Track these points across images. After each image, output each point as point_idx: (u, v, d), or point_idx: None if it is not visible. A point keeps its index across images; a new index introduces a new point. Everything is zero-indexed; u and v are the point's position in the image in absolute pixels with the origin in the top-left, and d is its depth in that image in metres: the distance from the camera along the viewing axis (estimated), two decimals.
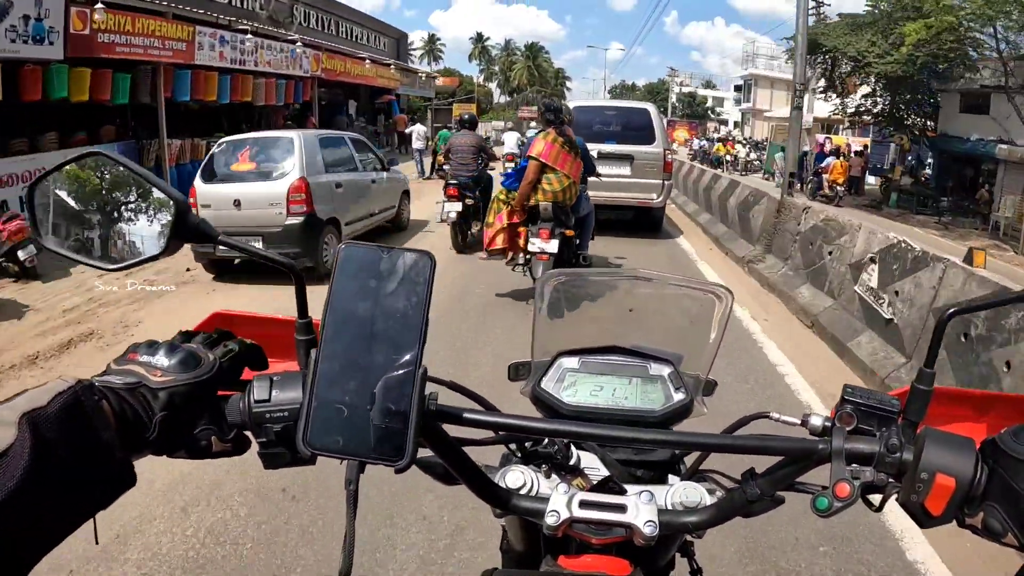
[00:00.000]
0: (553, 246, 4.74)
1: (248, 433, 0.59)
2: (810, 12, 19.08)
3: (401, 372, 0.48)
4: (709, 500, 0.68)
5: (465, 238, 7.37)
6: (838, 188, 18.59)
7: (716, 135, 40.08)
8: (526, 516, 0.66)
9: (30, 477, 0.42)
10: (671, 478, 0.75)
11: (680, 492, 0.69)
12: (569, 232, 4.93)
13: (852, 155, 20.43)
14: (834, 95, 19.38)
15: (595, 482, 0.70)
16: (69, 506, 0.46)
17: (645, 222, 8.54)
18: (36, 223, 0.61)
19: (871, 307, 4.21)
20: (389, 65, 21.08)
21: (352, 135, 7.58)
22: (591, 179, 5.33)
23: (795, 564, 2.27)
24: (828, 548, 2.35)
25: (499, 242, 5.05)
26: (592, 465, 0.72)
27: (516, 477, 0.68)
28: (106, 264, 0.61)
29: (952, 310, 0.58)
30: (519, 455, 0.73)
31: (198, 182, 6.00)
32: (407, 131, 17.23)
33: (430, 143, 17.80)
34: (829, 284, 4.95)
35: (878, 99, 18.68)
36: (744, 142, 30.06)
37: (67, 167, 0.60)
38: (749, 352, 4.26)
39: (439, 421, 0.56)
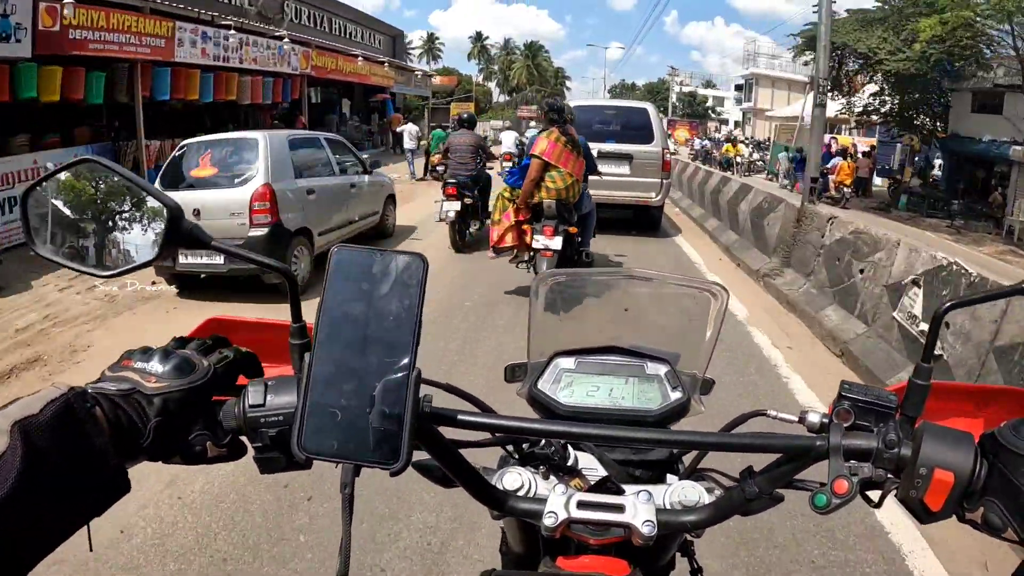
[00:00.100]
0: (557, 243, 4.81)
1: (244, 438, 0.59)
2: (815, 8, 18.81)
3: (395, 375, 0.48)
4: (707, 499, 0.67)
5: (464, 237, 7.30)
6: (845, 190, 18.09)
7: (718, 135, 39.74)
8: (524, 517, 0.65)
9: (22, 484, 0.42)
10: (669, 477, 0.74)
11: (678, 491, 0.68)
12: (572, 229, 5.01)
13: (860, 156, 19.86)
14: (840, 94, 18.79)
15: (593, 482, 0.70)
16: (62, 513, 0.46)
17: (644, 221, 8.58)
18: (29, 231, 0.60)
19: (914, 338, 3.63)
20: (383, 63, 20.47)
21: (329, 135, 6.96)
22: (591, 178, 5.34)
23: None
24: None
25: (509, 240, 5.08)
26: (590, 466, 0.72)
27: (513, 479, 0.67)
28: (100, 271, 0.60)
29: (949, 304, 0.58)
30: (516, 457, 0.73)
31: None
32: (399, 130, 16.63)
33: (423, 143, 17.21)
34: (861, 307, 4.37)
35: (886, 98, 18.13)
36: (746, 141, 29.52)
37: (60, 174, 0.60)
38: (775, 391, 3.68)
39: (434, 423, 0.56)
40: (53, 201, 0.60)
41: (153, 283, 6.02)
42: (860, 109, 18.99)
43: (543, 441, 0.69)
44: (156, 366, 0.56)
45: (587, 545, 0.65)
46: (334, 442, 0.48)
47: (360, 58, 18.15)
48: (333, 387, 0.48)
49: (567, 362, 0.80)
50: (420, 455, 0.56)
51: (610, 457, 0.74)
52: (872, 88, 18.66)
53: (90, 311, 5.38)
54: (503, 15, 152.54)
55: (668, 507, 0.67)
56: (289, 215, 5.23)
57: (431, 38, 65.99)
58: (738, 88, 50.05)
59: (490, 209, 7.80)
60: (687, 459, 0.79)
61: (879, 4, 15.59)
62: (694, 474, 0.76)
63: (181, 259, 5.25)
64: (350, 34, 21.40)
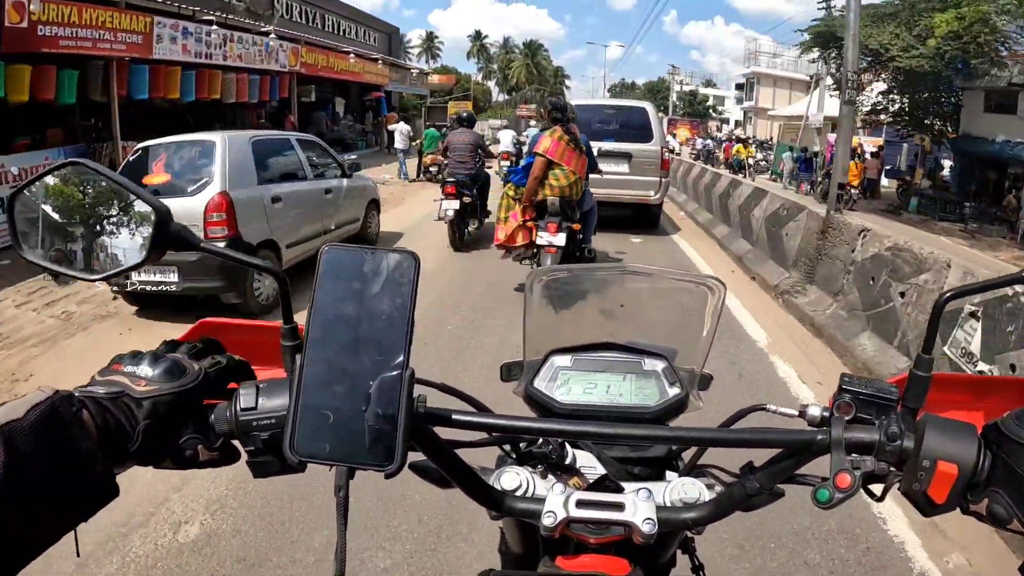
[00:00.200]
0: (560, 239, 4.88)
1: (236, 442, 0.58)
2: (820, 5, 18.27)
3: (388, 375, 0.48)
4: (708, 495, 0.66)
5: (463, 236, 7.26)
6: (852, 191, 17.51)
7: (719, 134, 39.22)
8: (522, 517, 0.65)
9: (5, 489, 0.42)
10: (669, 474, 0.74)
11: (678, 488, 0.67)
12: (576, 226, 5.06)
13: (868, 156, 19.30)
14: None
15: (592, 481, 0.69)
16: (48, 518, 0.46)
17: (643, 220, 8.65)
18: (17, 234, 0.60)
19: None
20: (377, 60, 19.86)
21: (301, 136, 6.32)
22: (591, 176, 5.40)
23: None
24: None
25: (520, 239, 5.16)
26: (588, 464, 0.71)
27: (511, 478, 0.67)
28: (88, 274, 0.60)
29: (948, 294, 0.58)
30: (513, 456, 0.73)
31: None
32: (390, 128, 16.04)
33: (415, 143, 16.62)
34: (901, 336, 3.79)
35: (895, 97, 17.55)
36: (749, 141, 28.96)
37: (47, 177, 0.60)
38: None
39: (429, 424, 0.56)
40: (42, 205, 0.60)
41: (115, 297, 5.54)
42: (868, 108, 18.39)
43: (540, 440, 0.69)
44: (146, 369, 0.55)
45: (587, 544, 0.64)
46: (327, 444, 0.47)
47: (352, 55, 17.54)
48: (325, 389, 0.48)
49: (563, 360, 0.78)
50: (415, 456, 0.55)
51: (608, 455, 0.72)
52: (879, 86, 18.11)
53: (43, 331, 4.97)
54: (503, 14, 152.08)
55: (668, 504, 0.66)
56: (250, 226, 4.64)
57: (430, 37, 65.78)
58: (738, 87, 49.74)
59: (490, 208, 7.83)
60: (686, 456, 0.77)
61: None
62: (694, 471, 0.74)
63: (133, 275, 4.73)
64: (344, 31, 20.82)
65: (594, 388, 0.77)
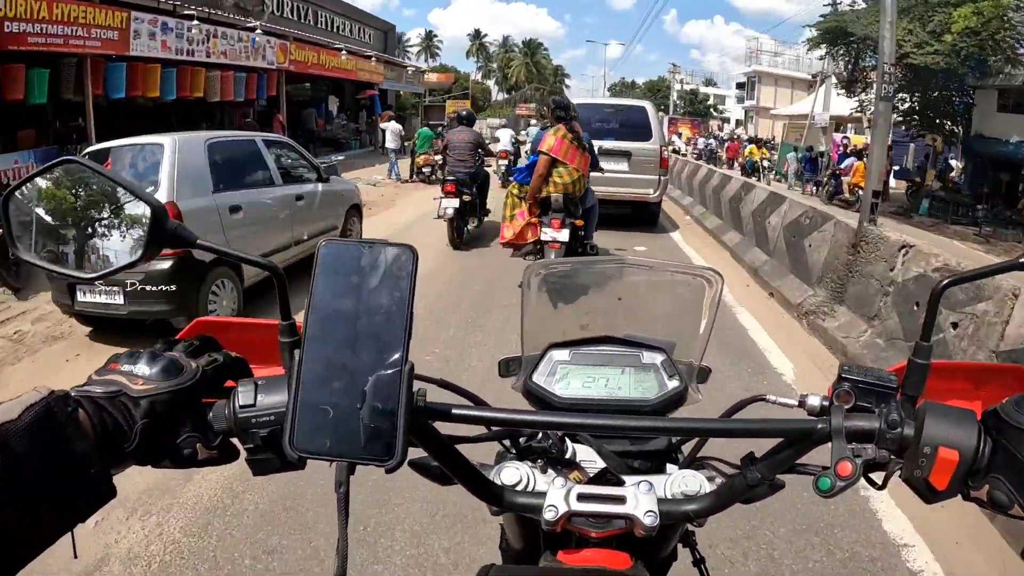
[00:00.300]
0: (564, 235, 5.00)
1: (235, 440, 0.58)
2: (826, 2, 17.72)
3: (387, 370, 0.47)
4: (709, 487, 0.66)
5: (462, 235, 7.23)
6: (860, 192, 16.99)
7: (721, 133, 38.70)
8: (523, 512, 0.65)
9: (1, 491, 0.42)
10: (669, 467, 0.74)
11: (679, 481, 0.67)
12: (579, 222, 5.16)
13: None
14: (858, 91, 17.65)
15: (592, 475, 0.69)
16: (45, 519, 0.46)
17: (642, 218, 8.73)
18: (11, 235, 0.59)
19: None
20: (370, 57, 19.27)
21: (269, 136, 5.71)
22: (592, 174, 5.45)
23: None
24: None
25: (529, 236, 5.25)
26: (588, 458, 0.71)
27: (511, 473, 0.66)
28: (84, 273, 0.60)
29: (946, 281, 0.58)
30: (513, 451, 0.72)
31: None
32: (382, 126, 15.46)
33: (407, 143, 16.05)
34: None
35: (905, 95, 16.99)
36: (751, 140, 28.38)
37: (40, 176, 0.59)
38: (855, 513, 2.53)
39: (428, 418, 0.56)
40: (35, 206, 0.59)
41: (69, 317, 4.99)
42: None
43: (540, 434, 0.69)
44: (143, 368, 0.55)
45: (588, 538, 0.64)
46: (327, 440, 0.47)
47: (344, 52, 16.95)
48: (324, 384, 0.47)
49: (562, 354, 0.78)
50: (416, 452, 0.54)
51: (608, 449, 0.72)
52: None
53: None
54: (502, 13, 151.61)
55: (669, 497, 0.66)
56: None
57: (429, 36, 65.47)
58: (739, 86, 49.41)
59: (489, 207, 8.00)
60: (686, 449, 0.78)
61: None
62: (694, 463, 0.74)
63: (79, 296, 4.22)
64: (337, 28, 20.25)
65: (593, 382, 0.77)
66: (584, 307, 0.89)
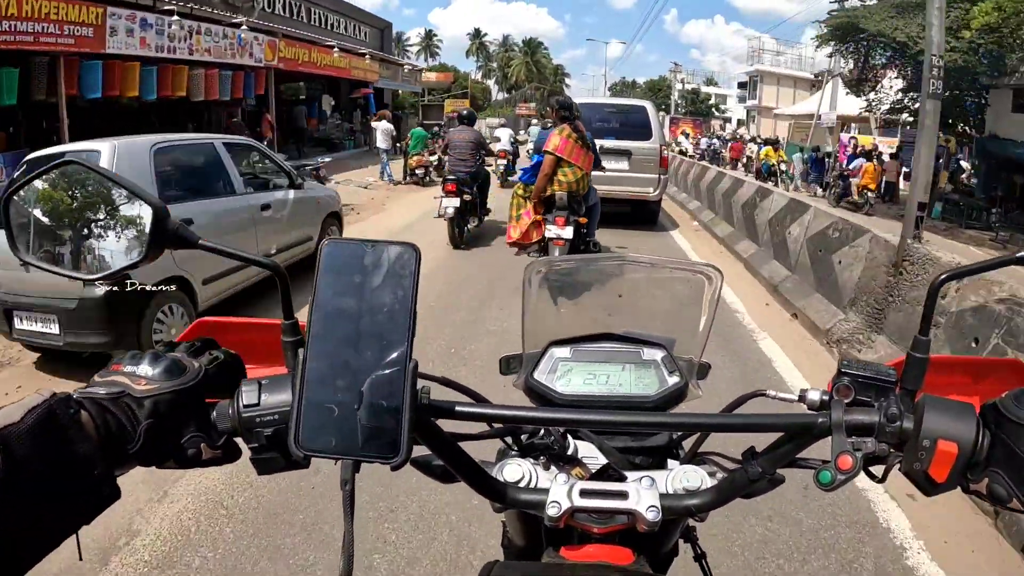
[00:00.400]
0: (568, 232, 5.08)
1: (238, 439, 0.58)
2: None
3: (391, 368, 0.47)
4: (710, 482, 0.67)
5: (462, 234, 7.23)
6: (869, 194, 16.46)
7: (723, 132, 38.12)
8: (526, 509, 0.65)
9: (4, 495, 0.42)
10: (670, 463, 0.74)
11: (680, 476, 0.68)
12: (582, 220, 5.28)
13: (888, 158, 18.19)
14: (868, 90, 17.09)
15: (594, 471, 0.69)
16: (49, 522, 0.46)
17: (641, 216, 8.84)
18: (12, 237, 0.59)
19: None
20: (364, 55, 18.69)
21: (232, 139, 5.12)
22: (593, 172, 5.50)
23: None
24: None
25: (535, 235, 5.39)
26: (590, 454, 0.72)
27: (514, 470, 0.67)
28: (86, 275, 0.60)
29: (944, 275, 0.58)
30: (515, 449, 0.72)
31: None
32: (373, 125, 14.89)
33: (399, 144, 15.48)
34: None
35: (916, 94, 16.42)
36: (755, 139, 27.76)
37: (40, 178, 0.59)
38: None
39: (432, 416, 0.56)
40: (35, 207, 0.59)
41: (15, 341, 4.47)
42: (887, 107, 17.26)
43: (542, 431, 0.70)
44: (146, 369, 0.55)
45: (590, 534, 0.64)
46: (332, 439, 0.47)
47: (336, 49, 16.38)
48: (329, 383, 0.47)
49: (562, 351, 0.79)
50: (418, 450, 0.54)
51: (610, 445, 0.73)
52: (893, 84, 16.99)
53: None
54: (502, 13, 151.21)
55: (671, 492, 0.66)
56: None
57: (429, 35, 65.10)
58: (741, 86, 49.04)
59: (490, 207, 8.06)
60: (687, 444, 0.78)
61: None
62: (695, 458, 0.75)
63: (17, 323, 3.72)
64: (331, 25, 19.66)
65: (594, 379, 0.77)
66: (585, 304, 0.89)
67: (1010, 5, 11.06)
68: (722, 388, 3.18)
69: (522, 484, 0.66)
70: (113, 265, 0.58)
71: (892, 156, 18.71)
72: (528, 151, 14.72)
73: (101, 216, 0.58)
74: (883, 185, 17.78)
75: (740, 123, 47.61)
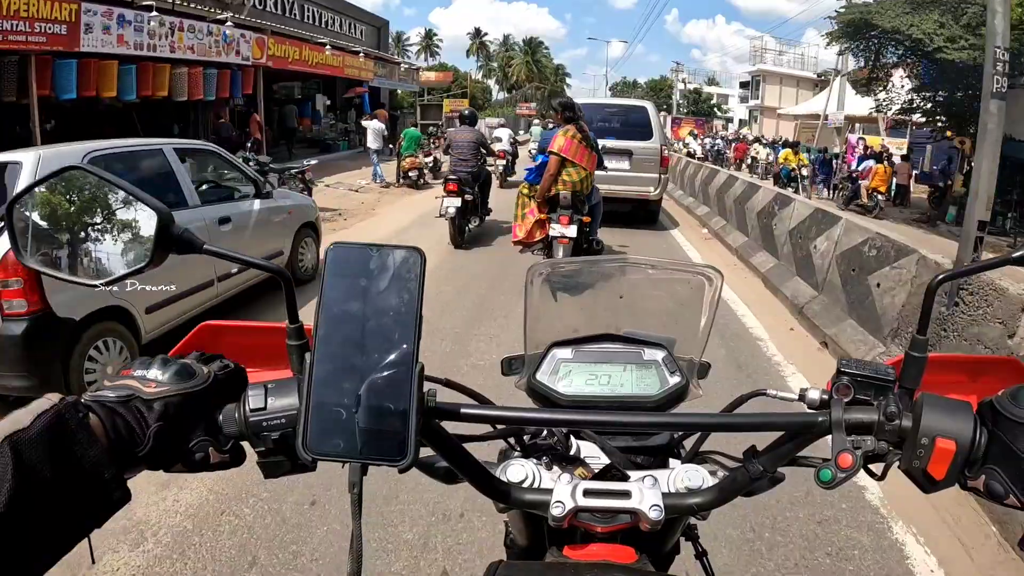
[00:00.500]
0: (572, 231, 5.20)
1: (245, 443, 0.58)
2: None
3: (398, 371, 0.48)
4: (711, 481, 0.67)
5: (463, 234, 7.24)
6: (878, 197, 15.92)
7: (725, 132, 37.60)
8: (531, 509, 0.65)
9: (15, 501, 0.42)
10: (672, 462, 0.74)
11: (682, 475, 0.68)
12: (586, 219, 5.39)
13: (899, 159, 17.64)
14: (879, 89, 16.50)
15: (596, 471, 0.70)
16: (60, 527, 0.46)
17: (641, 215, 8.98)
18: (17, 242, 0.59)
19: None
20: (358, 53, 18.12)
21: (186, 144, 4.50)
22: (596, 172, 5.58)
23: None
24: None
25: (539, 235, 5.48)
26: (592, 454, 0.72)
27: (517, 471, 0.67)
28: (91, 280, 0.60)
29: (941, 276, 0.59)
30: (518, 449, 0.74)
31: None
32: (364, 124, 14.34)
33: (391, 145, 14.92)
34: None
35: (927, 94, 15.84)
36: (760, 139, 27.16)
37: (45, 183, 0.59)
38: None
39: (437, 418, 0.56)
40: (40, 213, 0.59)
41: None
42: (898, 107, 16.67)
43: (545, 432, 0.72)
44: (156, 372, 0.55)
45: (593, 534, 0.65)
46: (340, 442, 0.47)
47: (328, 47, 15.80)
48: (336, 386, 0.48)
49: (564, 352, 0.79)
50: (421, 452, 0.54)
51: (612, 445, 0.73)
52: (904, 83, 16.41)
53: None
54: (503, 13, 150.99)
55: (673, 491, 0.67)
56: (73, 291, 2.97)
57: (429, 35, 64.74)
58: (743, 85, 48.73)
59: (491, 207, 8.16)
60: (688, 443, 0.78)
61: None
62: (696, 457, 0.75)
63: None
64: (326, 23, 19.12)
65: (595, 379, 0.77)
66: (586, 305, 0.89)
67: None
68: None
69: (526, 484, 0.66)
70: (118, 270, 0.59)
71: (903, 158, 18.15)
72: (531, 151, 14.38)
73: (105, 221, 0.58)
74: (893, 188, 17.27)
75: (742, 123, 47.28)
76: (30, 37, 8.64)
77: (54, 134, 10.65)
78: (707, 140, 29.50)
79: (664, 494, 0.62)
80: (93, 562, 0.53)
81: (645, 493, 0.61)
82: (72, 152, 3.37)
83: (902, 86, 16.79)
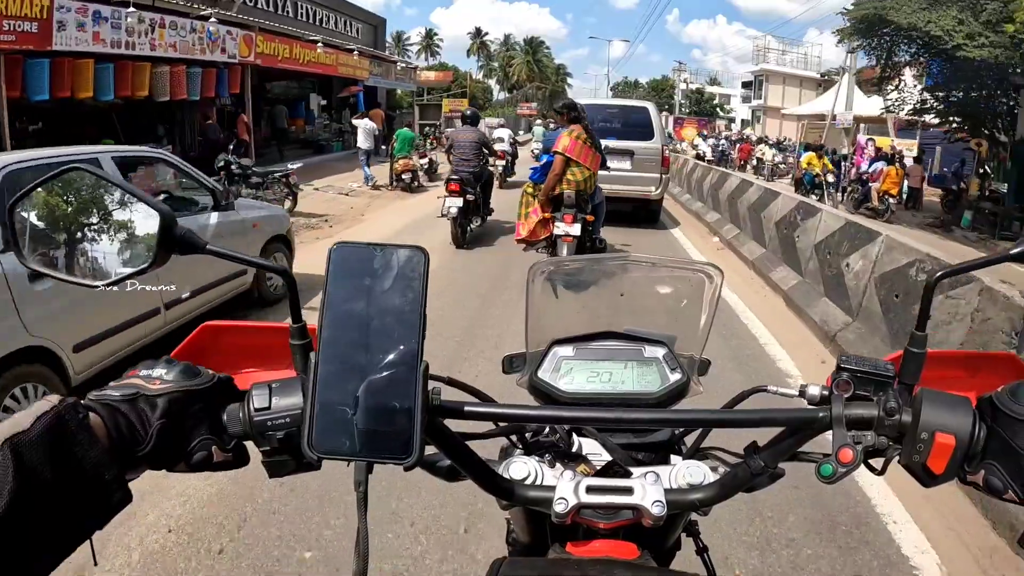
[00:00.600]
0: (576, 229, 5.35)
1: (248, 443, 0.59)
2: None
3: (402, 369, 0.48)
4: (712, 477, 0.67)
5: (465, 234, 7.22)
6: (890, 201, 15.36)
7: (728, 132, 37.08)
8: (534, 506, 0.65)
9: (16, 503, 0.42)
10: (673, 458, 0.74)
11: (684, 471, 0.68)
12: (589, 217, 5.55)
13: (911, 161, 17.09)
14: (890, 88, 15.95)
15: (598, 468, 0.69)
16: (62, 529, 0.46)
17: (643, 214, 9.03)
18: (17, 243, 0.59)
19: None
20: (352, 51, 17.56)
21: (130, 152, 3.91)
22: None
23: None
24: None
25: (541, 233, 5.61)
26: (594, 451, 0.72)
27: (519, 468, 0.67)
28: (92, 281, 0.59)
29: (940, 273, 0.59)
30: (520, 447, 0.74)
31: None
32: (354, 122, 13.80)
33: (385, 147, 14.37)
34: None
35: (940, 93, 15.28)
36: (765, 140, 26.58)
37: (46, 184, 0.59)
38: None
39: (442, 416, 0.56)
40: (41, 214, 0.59)
41: None
42: (911, 107, 16.11)
43: (547, 430, 0.72)
44: (160, 371, 0.55)
45: (595, 530, 0.65)
46: (345, 440, 0.47)
47: (320, 45, 15.24)
48: (340, 385, 0.48)
49: (565, 350, 0.79)
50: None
51: (613, 442, 0.73)
52: (913, 83, 15.88)
53: None
54: (504, 13, 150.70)
55: (675, 487, 0.67)
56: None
57: (429, 34, 64.40)
58: (745, 85, 48.34)
59: (492, 207, 8.08)
60: (689, 440, 0.78)
61: None
62: (697, 453, 0.75)
63: None
64: (320, 21, 18.61)
65: (597, 376, 0.78)
66: (587, 303, 0.89)
67: None
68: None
69: (528, 481, 0.65)
70: (120, 271, 0.58)
71: (915, 160, 17.58)
72: (533, 151, 13.94)
73: (107, 222, 0.58)
74: (905, 191, 16.73)
75: (744, 123, 46.91)
76: None
77: (38, 135, 10.17)
78: (711, 140, 28.94)
79: (666, 490, 0.63)
80: (96, 563, 0.52)
81: (647, 489, 0.61)
82: None
83: (914, 85, 16.26)
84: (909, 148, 19.54)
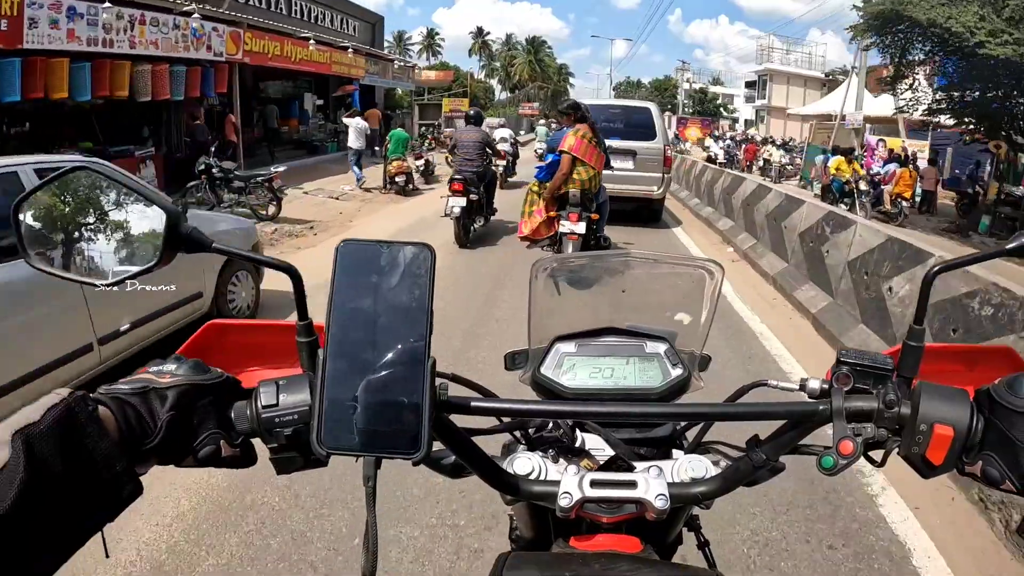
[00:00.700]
0: (581, 227, 5.43)
1: (256, 440, 0.59)
2: None
3: (410, 366, 0.48)
4: (714, 471, 0.68)
5: (468, 233, 7.24)
6: (903, 203, 14.84)
7: (732, 132, 36.54)
8: (538, 500, 0.66)
9: (27, 495, 0.42)
10: (675, 453, 0.75)
11: (686, 465, 0.69)
12: (594, 216, 5.63)
13: (926, 163, 16.52)
14: (904, 88, 15.38)
15: (601, 463, 0.70)
16: (73, 521, 0.46)
17: (645, 213, 9.14)
18: (23, 242, 0.59)
19: None
20: (347, 49, 17.01)
21: (54, 162, 3.35)
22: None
23: None
24: None
25: (544, 232, 5.72)
26: (597, 446, 0.73)
27: (524, 463, 0.67)
28: (97, 280, 0.60)
29: (938, 268, 0.60)
30: (523, 442, 0.75)
31: None
32: (344, 120, 13.28)
33: (378, 148, 13.84)
34: None
35: (957, 93, 14.71)
36: (771, 140, 26.02)
37: (52, 183, 0.59)
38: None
39: (448, 412, 0.57)
40: (46, 213, 0.59)
41: None
42: (925, 107, 15.55)
43: (550, 425, 0.72)
44: (171, 366, 0.56)
45: (598, 524, 0.65)
46: (353, 436, 0.48)
47: (312, 42, 14.69)
48: (348, 382, 0.48)
49: (568, 346, 0.80)
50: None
51: (616, 437, 0.73)
52: (928, 82, 15.31)
53: None
54: (506, 13, 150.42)
55: (677, 481, 0.67)
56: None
57: (430, 34, 64.01)
58: (748, 85, 47.91)
59: (496, 207, 8.15)
60: (691, 434, 0.79)
61: None
62: (699, 448, 0.76)
63: None
64: (316, 18, 18.06)
65: (599, 372, 0.78)
66: (589, 300, 0.90)
67: None
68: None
69: (533, 477, 0.66)
70: (125, 270, 0.58)
71: (930, 162, 17.02)
72: (536, 151, 13.61)
73: (113, 221, 0.58)
74: (919, 194, 16.19)
75: (748, 123, 46.48)
76: None
77: (21, 138, 9.67)
78: (721, 143, 28.34)
79: (669, 484, 0.63)
80: (107, 555, 0.51)
81: (651, 483, 0.61)
82: None
83: (929, 85, 15.70)
84: (921, 149, 18.99)
